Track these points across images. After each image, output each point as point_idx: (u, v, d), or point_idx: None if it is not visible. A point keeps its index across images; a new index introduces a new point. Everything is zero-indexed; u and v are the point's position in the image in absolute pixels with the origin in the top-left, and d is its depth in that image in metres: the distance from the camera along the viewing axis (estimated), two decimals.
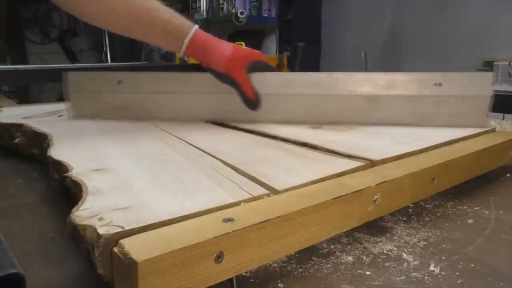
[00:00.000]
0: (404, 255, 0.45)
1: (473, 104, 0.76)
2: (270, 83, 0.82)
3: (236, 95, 0.80)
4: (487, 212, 0.57)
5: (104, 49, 4.08)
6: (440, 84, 0.77)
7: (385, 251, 0.46)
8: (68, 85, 0.90)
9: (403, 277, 0.41)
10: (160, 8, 0.76)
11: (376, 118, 0.79)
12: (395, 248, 0.47)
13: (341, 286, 0.39)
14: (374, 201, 0.47)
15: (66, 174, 0.50)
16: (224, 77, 0.79)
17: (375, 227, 0.52)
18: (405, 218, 0.55)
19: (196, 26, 0.78)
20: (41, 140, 0.72)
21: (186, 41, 0.76)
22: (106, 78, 0.92)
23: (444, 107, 0.77)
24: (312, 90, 0.81)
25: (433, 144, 0.65)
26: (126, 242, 0.33)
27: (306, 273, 0.42)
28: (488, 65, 2.24)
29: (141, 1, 0.75)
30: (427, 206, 0.59)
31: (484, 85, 0.75)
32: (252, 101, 0.80)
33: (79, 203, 0.40)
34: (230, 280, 0.37)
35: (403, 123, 0.78)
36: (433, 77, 0.78)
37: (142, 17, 0.75)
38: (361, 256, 0.45)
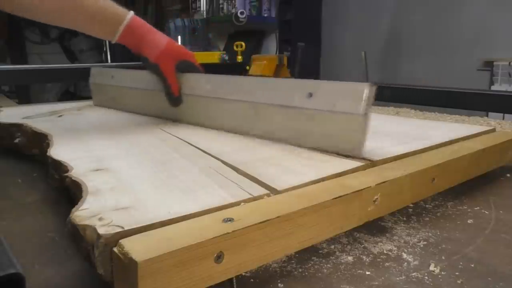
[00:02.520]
0: (404, 255, 0.45)
1: (343, 124, 0.57)
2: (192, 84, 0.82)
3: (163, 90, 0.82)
4: (487, 212, 0.57)
5: (104, 49, 4.08)
6: (311, 95, 0.62)
7: (385, 251, 0.46)
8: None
9: (403, 277, 0.41)
10: None
11: (260, 129, 0.69)
12: (395, 248, 0.47)
13: (341, 286, 0.39)
14: (374, 201, 0.47)
15: (66, 174, 0.50)
16: (153, 67, 0.79)
17: (375, 227, 0.52)
18: (405, 218, 0.55)
19: (132, 13, 0.77)
20: (41, 140, 0.72)
21: (121, 27, 0.75)
22: (105, 72, 1.08)
23: (316, 124, 0.61)
24: (213, 94, 0.78)
25: (433, 144, 0.65)
26: (126, 242, 0.32)
27: (306, 273, 0.42)
28: (488, 65, 2.24)
29: None
30: (427, 206, 0.59)
31: (354, 101, 0.56)
32: (174, 97, 0.81)
33: (79, 203, 0.40)
34: (230, 280, 0.37)
35: (279, 137, 0.66)
36: (306, 85, 0.63)
37: (74, 2, 0.71)
38: (361, 256, 0.45)
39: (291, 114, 0.64)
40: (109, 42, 3.98)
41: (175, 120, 0.86)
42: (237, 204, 0.41)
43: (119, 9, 0.76)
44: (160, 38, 0.78)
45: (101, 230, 0.34)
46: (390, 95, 1.24)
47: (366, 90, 0.56)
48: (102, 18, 0.74)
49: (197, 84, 0.80)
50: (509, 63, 2.14)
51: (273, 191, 0.45)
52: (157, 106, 0.88)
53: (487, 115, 1.63)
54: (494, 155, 0.67)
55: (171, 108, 0.83)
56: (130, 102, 0.99)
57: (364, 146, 0.57)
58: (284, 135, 0.66)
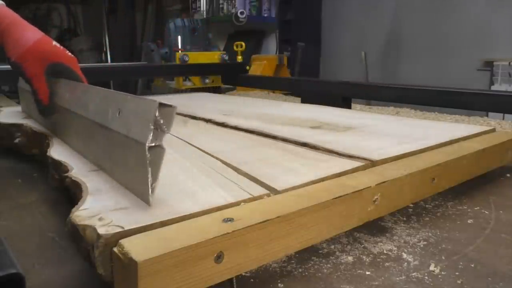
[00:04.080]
0: (404, 255, 0.45)
1: (133, 155, 0.43)
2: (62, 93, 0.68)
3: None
4: (487, 212, 0.57)
5: (104, 49, 4.08)
6: (119, 112, 0.46)
7: (385, 251, 0.46)
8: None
9: (403, 277, 0.41)
10: None
11: (92, 154, 0.56)
12: (395, 248, 0.47)
13: (341, 286, 0.39)
14: (374, 201, 0.47)
15: (66, 174, 0.50)
16: (16, 67, 0.67)
17: (375, 227, 0.52)
18: (405, 218, 0.55)
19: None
20: (41, 140, 0.72)
21: None
22: None
23: (115, 152, 0.48)
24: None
25: (433, 144, 0.64)
26: (126, 242, 0.33)
27: (306, 273, 0.42)
28: (488, 65, 2.24)
29: None
30: (427, 206, 0.59)
31: (143, 125, 0.41)
32: (43, 106, 0.68)
33: (79, 203, 0.40)
34: (230, 280, 0.37)
35: (102, 167, 0.52)
36: (117, 98, 0.49)
37: None
38: (361, 256, 0.45)
39: (104, 136, 0.50)
40: (109, 42, 3.95)
41: (54, 133, 0.72)
42: (237, 204, 0.41)
43: None
44: (28, 35, 0.67)
45: (101, 230, 0.34)
46: (390, 95, 1.24)
47: (154, 112, 0.39)
48: None
49: (62, 92, 0.67)
50: (509, 63, 2.14)
51: (273, 191, 0.45)
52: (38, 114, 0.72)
53: (487, 115, 1.63)
54: (494, 155, 0.67)
55: (46, 119, 0.70)
56: (31, 108, 0.83)
57: (153, 192, 0.40)
58: (104, 164, 0.51)
